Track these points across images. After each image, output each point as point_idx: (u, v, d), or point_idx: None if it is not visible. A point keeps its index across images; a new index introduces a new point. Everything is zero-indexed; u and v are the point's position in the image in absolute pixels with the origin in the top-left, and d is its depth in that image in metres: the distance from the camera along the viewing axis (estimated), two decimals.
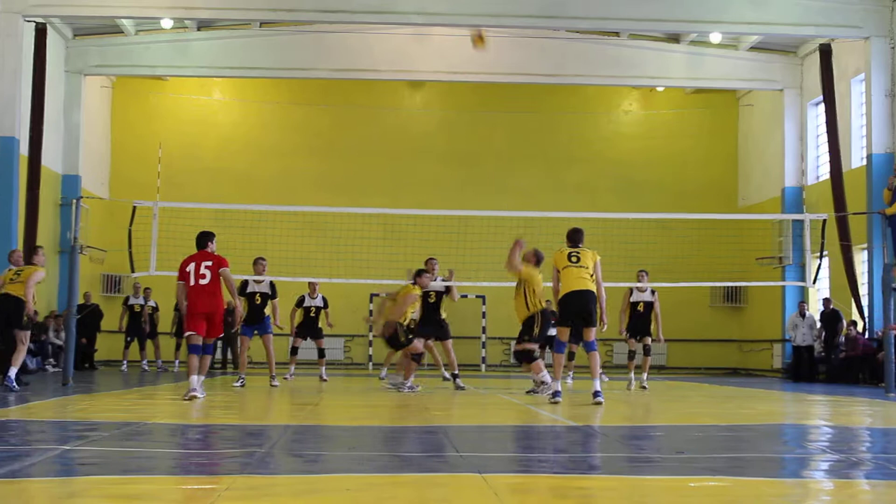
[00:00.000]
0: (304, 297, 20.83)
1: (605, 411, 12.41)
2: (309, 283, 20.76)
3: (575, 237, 13.71)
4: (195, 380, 13.28)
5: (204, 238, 13.97)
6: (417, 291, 16.28)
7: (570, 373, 20.64)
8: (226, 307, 14.91)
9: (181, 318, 26.33)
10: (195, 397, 12.98)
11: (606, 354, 31.23)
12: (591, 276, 13.35)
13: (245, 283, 18.05)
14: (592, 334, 13.38)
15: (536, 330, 14.88)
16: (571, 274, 13.27)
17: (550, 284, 13.94)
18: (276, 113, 32.44)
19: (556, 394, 13.22)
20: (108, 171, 31.67)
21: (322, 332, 20.78)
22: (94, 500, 5.15)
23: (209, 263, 13.63)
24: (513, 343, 16.91)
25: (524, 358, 15.24)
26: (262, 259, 18.38)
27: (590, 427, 9.93)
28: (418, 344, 16.48)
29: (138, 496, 5.32)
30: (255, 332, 18.03)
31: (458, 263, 19.78)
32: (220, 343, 25.68)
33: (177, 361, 26.47)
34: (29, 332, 16.04)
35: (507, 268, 15.35)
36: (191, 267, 13.64)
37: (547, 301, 15.40)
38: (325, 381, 19.66)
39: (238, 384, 16.94)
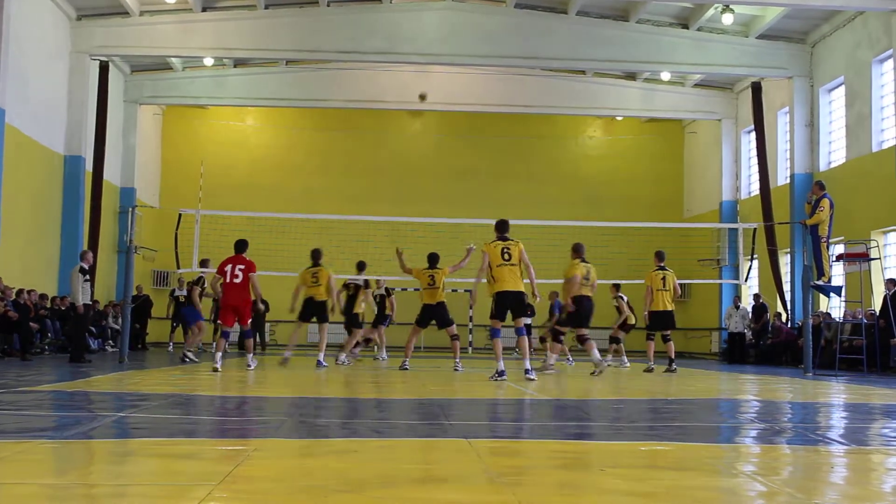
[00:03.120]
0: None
1: (572, 388, 12.40)
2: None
3: (503, 227, 13.38)
4: (219, 356, 14.28)
5: (242, 245, 14.84)
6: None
7: (612, 357, 20.73)
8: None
9: (218, 307, 26.38)
10: (217, 370, 13.83)
11: (572, 340, 31.25)
12: (519, 270, 13.02)
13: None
14: (522, 322, 13.16)
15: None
16: (504, 273, 12.90)
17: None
18: (300, 137, 32.47)
19: (501, 373, 12.71)
20: (159, 184, 31.69)
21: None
22: (146, 458, 5.15)
23: (242, 267, 14.48)
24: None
25: (553, 336, 15.31)
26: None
27: (558, 400, 9.94)
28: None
29: (182, 455, 5.32)
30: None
31: (450, 262, 19.77)
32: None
33: (215, 344, 26.42)
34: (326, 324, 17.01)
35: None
36: (228, 268, 14.50)
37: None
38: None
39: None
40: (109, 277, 27.09)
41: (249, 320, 14.89)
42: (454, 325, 16.82)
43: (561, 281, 15.88)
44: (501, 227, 13.38)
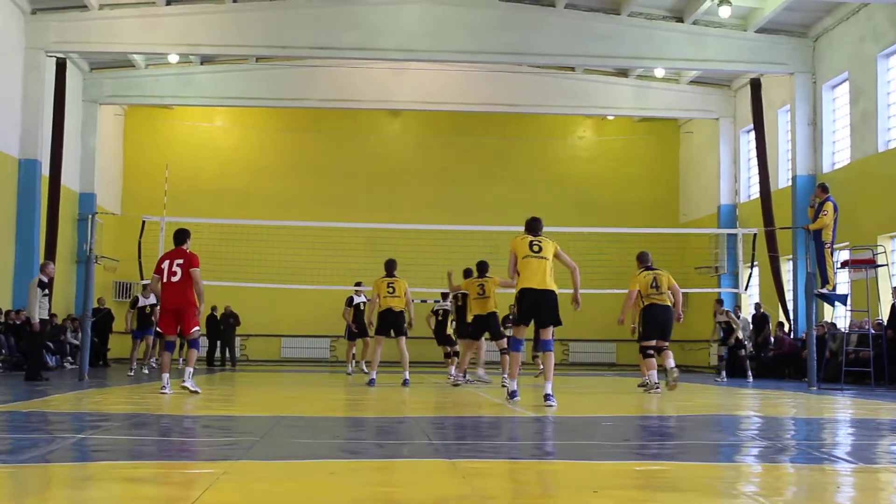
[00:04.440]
0: (352, 297, 21.72)
1: (561, 404, 12.40)
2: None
3: (534, 226, 11.64)
4: (166, 378, 12.68)
5: (181, 235, 13.14)
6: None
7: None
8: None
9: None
10: (165, 392, 12.36)
11: (563, 353, 31.28)
12: (551, 268, 11.32)
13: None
14: (549, 334, 11.43)
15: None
16: (531, 266, 11.21)
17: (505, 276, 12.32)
18: (271, 138, 32.42)
19: (512, 394, 11.55)
20: (121, 189, 31.57)
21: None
22: (107, 483, 5.12)
23: (181, 261, 12.75)
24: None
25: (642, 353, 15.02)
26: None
27: (546, 418, 9.93)
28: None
29: (146, 479, 5.29)
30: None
31: (432, 272, 19.82)
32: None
33: (181, 360, 26.31)
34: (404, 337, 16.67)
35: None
36: (165, 264, 12.83)
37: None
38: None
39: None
40: (68, 289, 26.94)
41: (195, 328, 12.90)
42: (505, 339, 16.29)
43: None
44: (533, 227, 11.65)
